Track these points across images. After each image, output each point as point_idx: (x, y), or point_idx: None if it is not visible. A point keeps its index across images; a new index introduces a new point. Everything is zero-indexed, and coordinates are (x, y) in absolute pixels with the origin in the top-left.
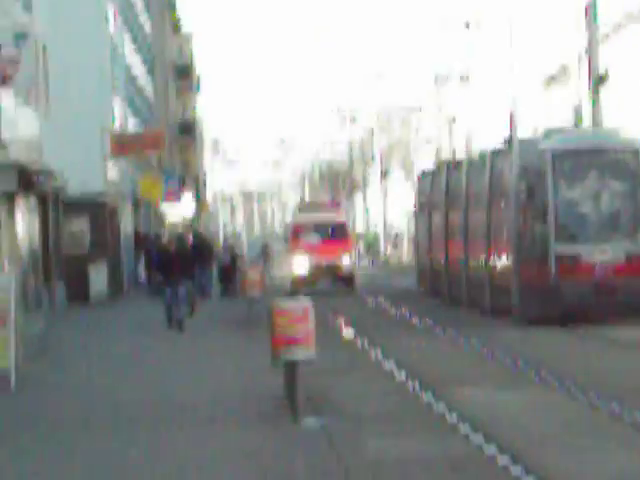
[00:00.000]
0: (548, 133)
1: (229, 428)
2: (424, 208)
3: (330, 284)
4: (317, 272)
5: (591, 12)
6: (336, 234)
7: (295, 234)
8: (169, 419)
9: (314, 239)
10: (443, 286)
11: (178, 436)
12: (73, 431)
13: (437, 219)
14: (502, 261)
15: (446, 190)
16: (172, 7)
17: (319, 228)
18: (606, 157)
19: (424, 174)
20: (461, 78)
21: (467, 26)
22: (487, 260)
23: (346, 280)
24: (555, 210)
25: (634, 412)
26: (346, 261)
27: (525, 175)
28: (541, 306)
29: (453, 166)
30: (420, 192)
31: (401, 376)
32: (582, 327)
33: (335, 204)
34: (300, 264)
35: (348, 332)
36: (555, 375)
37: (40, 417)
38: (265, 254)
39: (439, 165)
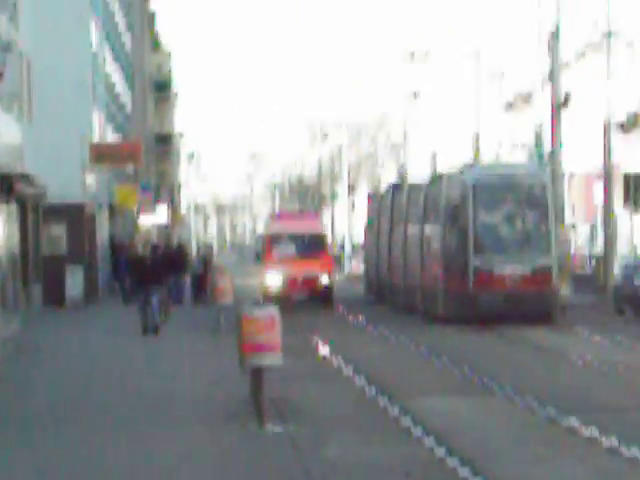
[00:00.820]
0: (465, 168)
1: (194, 429)
2: (372, 225)
3: (306, 299)
4: (292, 287)
5: (554, 40)
6: (314, 246)
7: (269, 245)
8: (139, 419)
9: (290, 251)
10: (387, 293)
11: (145, 435)
12: (42, 425)
13: (382, 235)
14: (432, 272)
15: (390, 210)
16: (152, 24)
17: (296, 239)
18: (517, 188)
19: (373, 195)
20: (429, 98)
21: (425, 56)
22: (421, 271)
23: (324, 296)
24: (474, 231)
25: (569, 416)
26: (324, 276)
27: (451, 201)
28: (461, 311)
29: (395, 189)
30: (369, 211)
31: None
32: (507, 331)
33: (313, 213)
34: (273, 278)
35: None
36: (495, 381)
37: (12, 411)
38: (206, 263)
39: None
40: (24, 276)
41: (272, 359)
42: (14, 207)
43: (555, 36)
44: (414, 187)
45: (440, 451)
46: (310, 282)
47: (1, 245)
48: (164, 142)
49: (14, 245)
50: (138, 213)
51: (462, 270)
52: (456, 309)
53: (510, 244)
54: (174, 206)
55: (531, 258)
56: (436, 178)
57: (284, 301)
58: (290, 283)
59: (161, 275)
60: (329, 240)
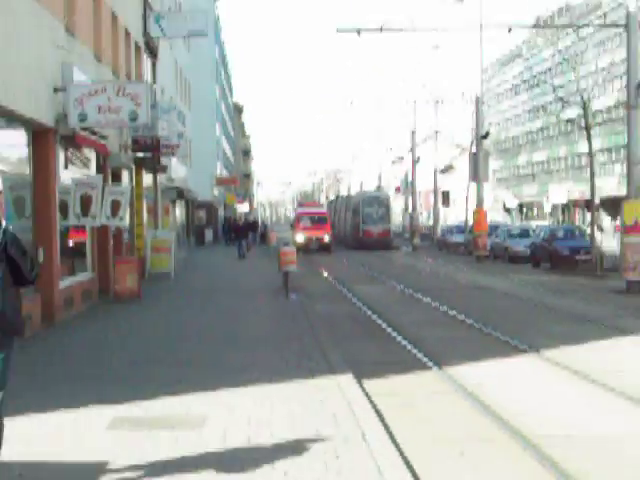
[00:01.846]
0: (360, 191)
1: (259, 297)
2: (329, 213)
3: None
4: (309, 242)
5: (413, 135)
6: (321, 220)
7: (297, 219)
8: (235, 291)
9: (308, 223)
10: (338, 240)
11: (238, 297)
12: (196, 292)
13: (333, 217)
14: (349, 231)
15: (335, 207)
16: (243, 126)
17: (311, 216)
18: (378, 199)
19: (329, 200)
20: (363, 157)
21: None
22: (344, 231)
23: (326, 247)
24: (362, 215)
25: (417, 293)
26: (327, 237)
27: (355, 204)
28: (358, 245)
29: (338, 198)
30: (328, 207)
31: (327, 275)
32: (387, 256)
33: (319, 203)
34: (299, 237)
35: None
36: (386, 278)
37: (183, 290)
38: (265, 228)
39: (335, 197)
40: (187, 232)
41: (292, 268)
42: (183, 203)
43: (413, 133)
44: (343, 197)
45: (364, 307)
46: (319, 240)
47: (178, 220)
48: (247, 177)
49: (183, 219)
50: (235, 206)
51: (358, 230)
52: (356, 245)
53: (375, 220)
54: (251, 203)
55: (382, 225)
56: (350, 194)
57: (304, 248)
58: (308, 240)
59: (247, 232)
60: (329, 217)
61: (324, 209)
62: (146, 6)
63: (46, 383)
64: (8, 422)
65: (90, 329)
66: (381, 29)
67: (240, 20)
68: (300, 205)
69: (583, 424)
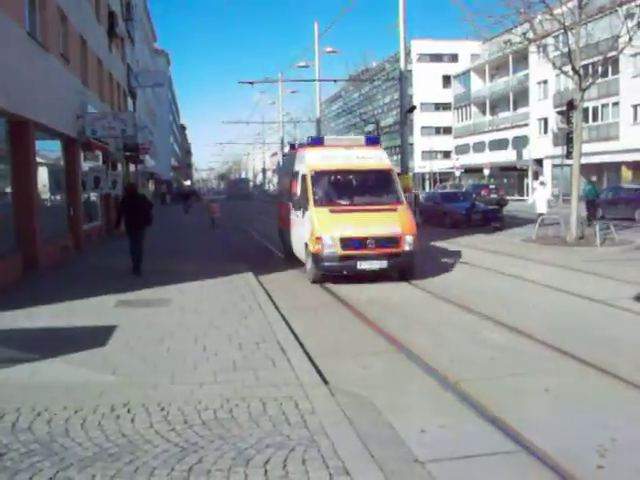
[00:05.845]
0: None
1: (197, 230)
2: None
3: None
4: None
5: (282, 141)
6: (382, 187)
7: (312, 186)
8: (183, 227)
9: (345, 197)
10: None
11: (185, 230)
12: (162, 228)
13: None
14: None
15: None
16: (184, 130)
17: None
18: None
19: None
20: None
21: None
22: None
23: (407, 268)
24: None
25: None
26: (409, 238)
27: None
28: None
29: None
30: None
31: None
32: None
33: (367, 142)
34: (328, 239)
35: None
36: (265, 218)
37: (155, 227)
38: (199, 194)
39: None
40: (155, 196)
41: (217, 215)
42: (153, 180)
43: (282, 139)
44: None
45: (256, 237)
46: (387, 242)
47: (151, 189)
48: (189, 165)
49: (153, 189)
50: (182, 182)
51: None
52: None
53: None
54: (192, 180)
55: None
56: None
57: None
58: (349, 244)
59: (189, 196)
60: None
61: (384, 154)
62: (128, 69)
63: (76, 282)
64: (66, 301)
65: (101, 252)
66: (264, 81)
67: (185, 73)
68: (313, 142)
69: (380, 296)
